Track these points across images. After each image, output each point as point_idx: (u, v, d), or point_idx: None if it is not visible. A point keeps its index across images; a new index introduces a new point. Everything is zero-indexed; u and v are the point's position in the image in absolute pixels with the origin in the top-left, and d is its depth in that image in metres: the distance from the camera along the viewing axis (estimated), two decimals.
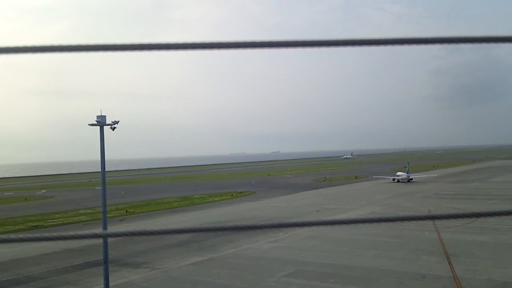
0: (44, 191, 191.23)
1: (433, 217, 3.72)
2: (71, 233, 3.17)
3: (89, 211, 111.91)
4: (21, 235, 3.14)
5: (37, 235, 3.08)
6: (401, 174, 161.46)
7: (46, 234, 3.14)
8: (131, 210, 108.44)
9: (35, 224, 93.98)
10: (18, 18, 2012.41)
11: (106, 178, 45.23)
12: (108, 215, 50.47)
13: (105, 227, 44.04)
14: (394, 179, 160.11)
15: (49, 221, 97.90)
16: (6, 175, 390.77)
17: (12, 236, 3.15)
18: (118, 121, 44.30)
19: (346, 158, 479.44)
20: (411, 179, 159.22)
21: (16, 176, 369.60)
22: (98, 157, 44.38)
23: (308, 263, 50.95)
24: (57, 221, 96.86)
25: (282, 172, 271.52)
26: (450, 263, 48.94)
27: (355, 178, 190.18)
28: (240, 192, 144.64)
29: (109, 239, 46.47)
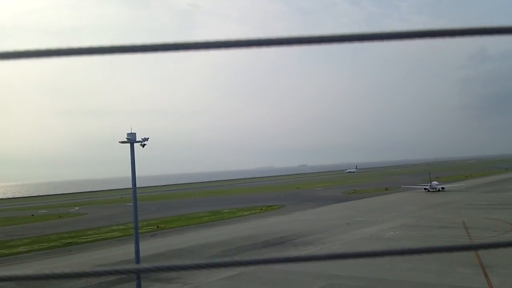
0: (77, 208, 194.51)
1: (473, 247, 3.38)
2: (104, 268, 3.13)
3: (121, 227, 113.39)
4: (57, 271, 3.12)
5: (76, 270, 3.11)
6: (432, 184, 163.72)
7: (87, 269, 3.14)
8: (162, 225, 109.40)
9: (68, 241, 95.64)
10: (48, 40, 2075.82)
11: (137, 194, 45.90)
12: (140, 231, 51.16)
13: (137, 243, 44.68)
14: (425, 189, 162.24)
15: (82, 237, 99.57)
16: (40, 193, 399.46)
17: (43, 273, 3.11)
18: (148, 138, 45.06)
19: (350, 172, 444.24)
20: (443, 188, 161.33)
21: (50, 194, 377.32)
22: (128, 173, 45.17)
23: (340, 277, 50.43)
24: (90, 238, 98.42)
25: (311, 185, 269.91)
26: (486, 275, 47.79)
27: (386, 189, 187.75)
28: (270, 206, 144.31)
29: (141, 254, 46.89)
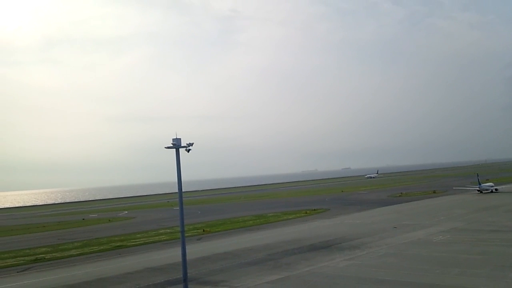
0: (126, 212, 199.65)
1: None
2: None
3: (168, 230, 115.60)
4: None
5: None
6: (483, 185, 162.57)
7: None
8: (208, 229, 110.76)
9: (118, 244, 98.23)
10: (95, 50, 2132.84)
11: (183, 199, 46.70)
12: (186, 234, 52.14)
13: (183, 247, 45.43)
14: (478, 190, 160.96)
15: (131, 241, 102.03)
16: (91, 198, 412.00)
17: None
18: (193, 143, 45.72)
19: (370, 177, 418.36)
20: (496, 189, 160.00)
21: (100, 198, 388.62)
22: (174, 178, 46.05)
23: (387, 282, 49.65)
24: (139, 241, 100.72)
25: (356, 188, 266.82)
26: None
27: (433, 192, 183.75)
28: (314, 210, 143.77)
29: (188, 257, 47.65)
